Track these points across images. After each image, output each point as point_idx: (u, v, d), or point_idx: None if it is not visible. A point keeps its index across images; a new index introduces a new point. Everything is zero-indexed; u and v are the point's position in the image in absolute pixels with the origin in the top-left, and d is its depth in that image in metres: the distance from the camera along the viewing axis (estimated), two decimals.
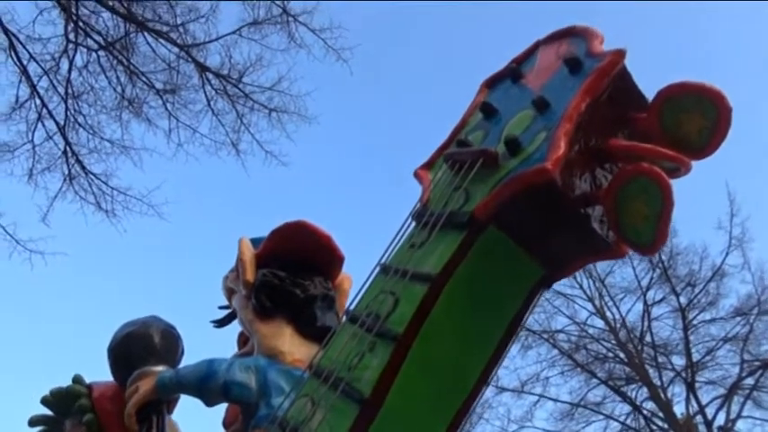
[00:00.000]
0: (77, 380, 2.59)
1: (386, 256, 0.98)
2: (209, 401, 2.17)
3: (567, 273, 0.93)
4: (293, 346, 2.03)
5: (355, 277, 2.19)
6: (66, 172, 9.66)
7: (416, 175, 1.08)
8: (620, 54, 0.85)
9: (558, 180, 0.78)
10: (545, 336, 14.85)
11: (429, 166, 1.07)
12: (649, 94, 0.89)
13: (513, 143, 0.87)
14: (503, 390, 14.43)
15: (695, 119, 0.81)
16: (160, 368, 2.46)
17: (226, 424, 2.66)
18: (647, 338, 14.65)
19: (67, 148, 9.60)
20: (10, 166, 9.53)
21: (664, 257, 14.34)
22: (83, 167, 9.75)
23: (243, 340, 2.59)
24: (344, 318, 0.97)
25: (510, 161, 0.87)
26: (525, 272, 0.91)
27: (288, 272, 2.07)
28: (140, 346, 2.53)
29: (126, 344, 2.58)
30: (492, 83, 1.12)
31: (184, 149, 10.59)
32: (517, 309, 0.92)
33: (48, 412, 2.63)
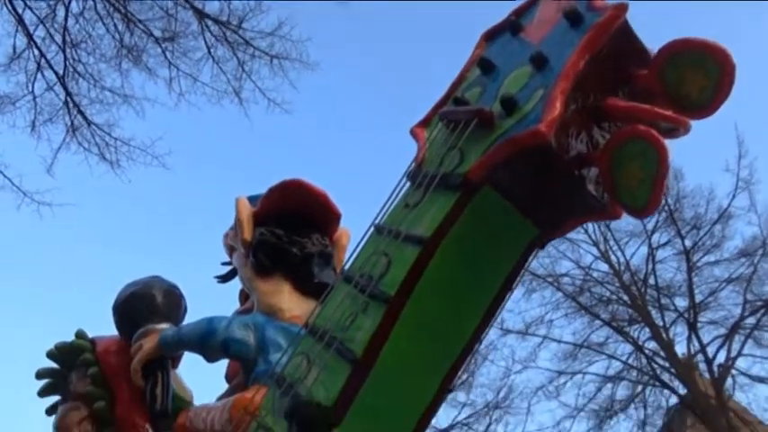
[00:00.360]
0: (80, 335, 2.68)
1: (380, 215, 0.98)
2: (210, 357, 2.24)
3: (562, 232, 0.92)
4: (291, 303, 2.07)
5: (354, 230, 2.20)
6: (69, 123, 9.60)
7: (412, 132, 1.06)
8: (621, 8, 0.82)
9: (552, 142, 0.76)
10: (549, 279, 15.01)
11: (425, 123, 1.05)
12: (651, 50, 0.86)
13: (509, 102, 0.85)
14: (507, 332, 14.69)
15: (697, 77, 0.78)
16: (163, 326, 2.54)
17: (228, 377, 2.75)
18: (651, 281, 14.79)
19: (68, 99, 9.50)
20: (12, 118, 9.45)
21: (670, 201, 14.30)
22: (85, 118, 9.66)
23: (244, 296, 2.64)
24: (339, 277, 0.98)
25: (506, 121, 0.85)
26: (519, 231, 0.90)
27: (285, 230, 2.08)
28: (143, 306, 2.61)
29: (130, 303, 2.66)
30: (491, 36, 1.08)
31: (186, 99, 10.44)
32: (511, 268, 0.92)
33: (54, 365, 2.74)
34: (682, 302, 14.49)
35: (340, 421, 0.80)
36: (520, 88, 0.88)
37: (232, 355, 2.20)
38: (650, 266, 14.71)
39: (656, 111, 0.77)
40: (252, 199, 2.24)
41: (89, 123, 9.74)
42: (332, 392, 0.82)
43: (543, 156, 0.79)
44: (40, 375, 2.77)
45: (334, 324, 0.90)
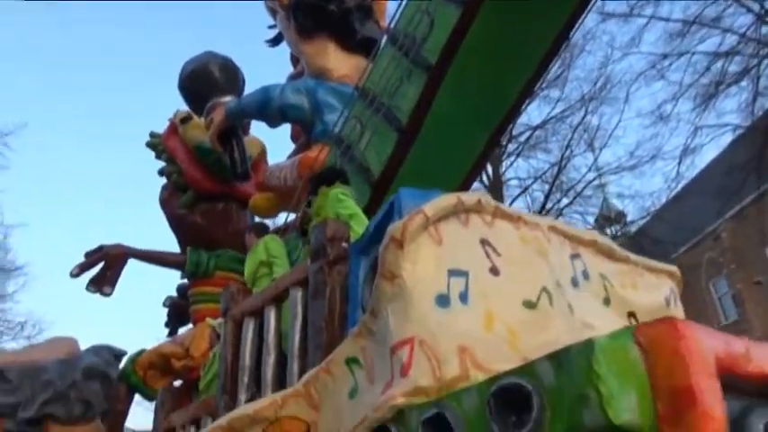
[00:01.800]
0: (152, 134, 3.71)
1: None
2: (272, 123, 2.44)
3: None
4: (338, 62, 2.07)
5: None
6: None
7: None
8: None
9: None
10: None
11: None
12: None
13: None
14: (608, 16, 13.46)
15: None
16: (226, 99, 2.98)
17: (293, 137, 3.01)
18: None
19: None
20: None
21: None
22: None
23: (295, 60, 2.69)
24: (385, 38, 0.95)
25: None
26: None
27: None
28: (204, 81, 3.04)
29: (192, 80, 3.19)
30: None
31: None
32: (569, 15, 0.84)
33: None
34: None
35: (389, 182, 0.86)
36: None
37: (290, 119, 2.36)
38: None
39: None
40: None
41: None
42: (382, 156, 0.86)
43: None
44: (162, 173, 4.06)
45: (382, 89, 0.90)
